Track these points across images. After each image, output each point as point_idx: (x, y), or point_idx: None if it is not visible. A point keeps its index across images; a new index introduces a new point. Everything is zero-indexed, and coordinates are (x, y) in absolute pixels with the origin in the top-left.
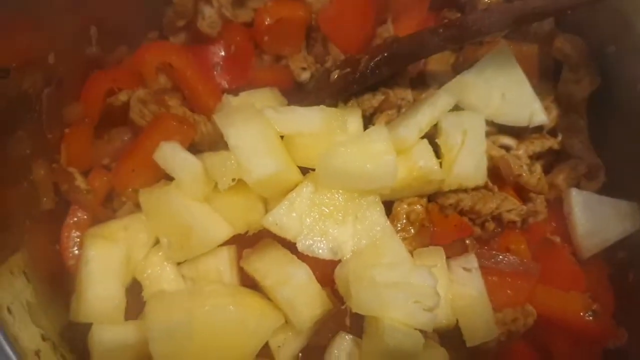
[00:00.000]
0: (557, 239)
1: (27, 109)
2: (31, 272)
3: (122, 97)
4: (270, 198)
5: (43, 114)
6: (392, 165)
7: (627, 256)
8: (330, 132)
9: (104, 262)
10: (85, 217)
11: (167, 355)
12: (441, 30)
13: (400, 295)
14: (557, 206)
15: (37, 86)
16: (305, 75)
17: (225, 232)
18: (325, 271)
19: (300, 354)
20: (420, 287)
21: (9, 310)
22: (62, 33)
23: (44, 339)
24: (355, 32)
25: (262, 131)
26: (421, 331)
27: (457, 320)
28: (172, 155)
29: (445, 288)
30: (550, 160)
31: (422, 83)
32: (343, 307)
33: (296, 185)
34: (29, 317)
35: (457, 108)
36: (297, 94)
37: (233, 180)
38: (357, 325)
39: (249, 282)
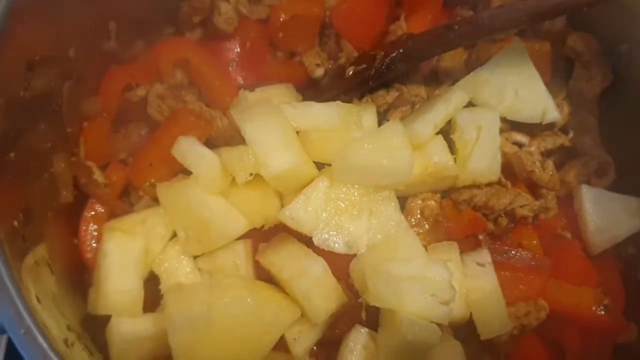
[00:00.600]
0: (568, 235)
1: (48, 102)
2: (53, 264)
3: (140, 92)
4: (286, 193)
5: (63, 108)
6: (408, 161)
7: (637, 252)
8: (346, 127)
9: (122, 255)
10: (103, 210)
11: (186, 346)
12: (456, 27)
13: (416, 288)
14: (568, 202)
15: (58, 80)
16: (319, 72)
17: (242, 226)
18: (340, 265)
19: (315, 348)
20: (436, 281)
21: (37, 299)
22: (82, 28)
23: (69, 329)
24: (368, 29)
25: (279, 126)
26: (437, 324)
27: (471, 314)
28: (190, 149)
29: (459, 282)
30: (562, 157)
31: (435, 80)
32: (359, 300)
33: (312, 180)
34: (55, 307)
35: (470, 105)
36: (311, 90)
37: (251, 174)
38: (373, 319)
39: (263, 276)
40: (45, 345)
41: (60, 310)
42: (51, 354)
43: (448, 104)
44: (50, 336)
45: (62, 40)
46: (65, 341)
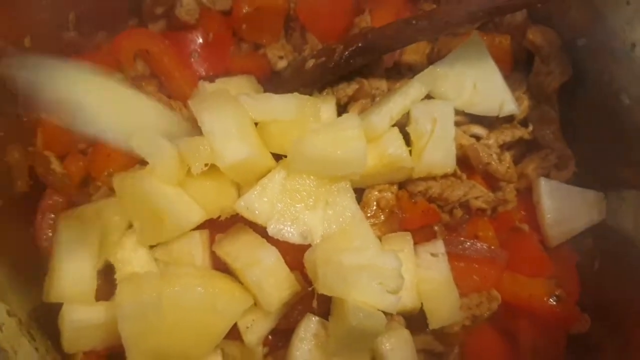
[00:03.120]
0: (526, 228)
1: (1, 91)
2: (2, 252)
3: None
4: (243, 184)
5: (19, 97)
6: (362, 152)
7: (594, 245)
8: (304, 119)
9: (77, 244)
10: (61, 200)
11: (136, 335)
12: (414, 21)
13: (364, 276)
14: (528, 195)
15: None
16: (281, 64)
17: (197, 216)
18: (297, 255)
19: (270, 337)
20: (384, 270)
21: None
22: (39, 17)
23: (9, 314)
24: (333, 21)
25: (235, 117)
26: (385, 313)
27: (422, 304)
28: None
29: (411, 272)
30: (522, 150)
31: (398, 73)
32: (310, 289)
33: (269, 171)
34: None
35: (429, 98)
36: (273, 82)
37: (206, 165)
38: (325, 308)
39: (221, 267)
40: None
41: (1, 296)
42: None
43: (405, 96)
44: None
45: (16, 30)
46: (0, 326)
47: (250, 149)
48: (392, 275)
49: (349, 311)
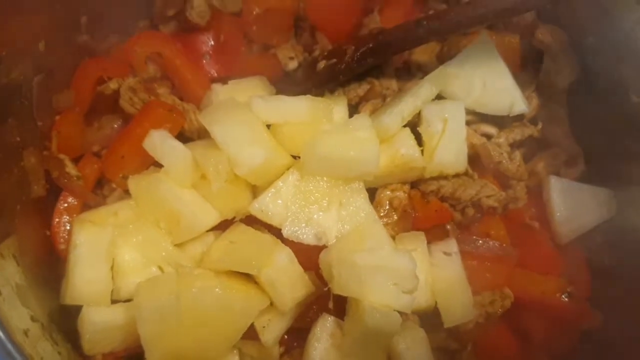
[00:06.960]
0: (537, 225)
1: (17, 96)
2: (21, 256)
3: (113, 85)
4: (265, 185)
5: (33, 102)
6: (374, 152)
7: (604, 241)
8: (316, 120)
9: (92, 246)
10: (76, 202)
11: (154, 335)
12: (425, 22)
13: (380, 277)
14: (538, 193)
15: (28, 74)
16: (292, 65)
17: (212, 218)
18: (311, 255)
19: (286, 336)
20: (399, 270)
21: None
22: (53, 22)
23: (33, 319)
24: (342, 21)
25: (246, 123)
26: (401, 313)
27: (437, 303)
28: (161, 143)
29: (425, 271)
30: (532, 148)
31: (408, 72)
32: (325, 289)
33: (289, 169)
34: (18, 299)
35: (439, 97)
36: (285, 83)
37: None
38: (341, 308)
39: None
40: (2, 335)
41: (24, 302)
42: (8, 345)
43: (416, 97)
44: (8, 327)
45: (31, 35)
46: (26, 332)
47: (266, 152)
48: (407, 275)
49: (364, 311)
